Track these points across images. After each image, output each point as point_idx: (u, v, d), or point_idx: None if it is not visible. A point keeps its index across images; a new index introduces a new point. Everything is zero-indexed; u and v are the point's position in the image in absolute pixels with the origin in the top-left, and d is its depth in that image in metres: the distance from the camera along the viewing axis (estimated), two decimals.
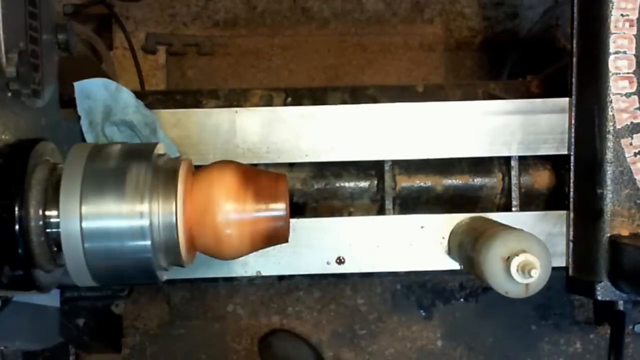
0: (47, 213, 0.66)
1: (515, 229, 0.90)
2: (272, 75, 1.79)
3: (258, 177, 0.73)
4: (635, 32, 0.91)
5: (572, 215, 0.97)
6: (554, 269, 0.87)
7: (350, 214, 1.04)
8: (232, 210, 0.70)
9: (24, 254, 0.64)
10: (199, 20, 1.80)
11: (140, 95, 0.98)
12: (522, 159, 1.01)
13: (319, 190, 1.03)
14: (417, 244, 0.99)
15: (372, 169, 1.03)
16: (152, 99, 1.03)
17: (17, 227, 0.63)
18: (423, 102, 1.00)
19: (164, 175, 0.68)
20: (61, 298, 1.01)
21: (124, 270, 0.67)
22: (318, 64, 1.80)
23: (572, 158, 0.97)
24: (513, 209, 1.01)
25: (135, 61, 1.64)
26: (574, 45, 0.95)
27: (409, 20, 1.82)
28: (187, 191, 0.69)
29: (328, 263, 0.99)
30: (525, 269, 0.82)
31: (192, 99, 1.06)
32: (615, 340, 0.97)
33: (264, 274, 0.99)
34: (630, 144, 0.91)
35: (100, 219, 0.65)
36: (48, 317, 0.98)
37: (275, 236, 0.73)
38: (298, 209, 1.03)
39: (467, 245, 0.92)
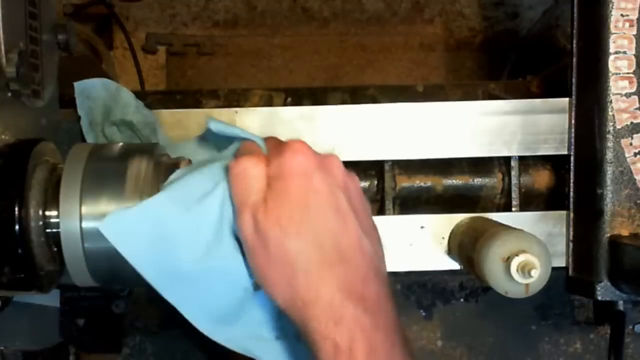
0: (47, 213, 0.66)
1: (515, 229, 0.90)
2: (272, 75, 1.79)
3: None
4: (635, 32, 0.91)
5: (572, 215, 0.97)
6: (554, 269, 0.87)
7: None
8: None
9: (24, 254, 0.64)
10: (199, 20, 1.81)
11: (140, 95, 0.98)
12: (522, 159, 1.01)
13: None
14: (417, 244, 0.99)
15: (372, 169, 1.03)
16: (152, 99, 1.03)
17: (17, 227, 0.63)
18: (423, 102, 1.00)
19: (164, 175, 0.68)
20: (61, 298, 1.01)
21: (124, 271, 0.67)
22: (318, 64, 1.80)
23: (572, 158, 0.97)
24: (513, 209, 1.01)
25: (135, 61, 1.64)
26: (574, 45, 0.95)
27: (409, 20, 1.82)
28: None
29: None
30: (525, 269, 0.82)
31: (192, 99, 1.06)
32: (615, 340, 0.97)
33: None
34: (630, 144, 0.91)
35: (100, 219, 0.65)
36: (48, 317, 0.98)
37: None
38: None
39: (467, 245, 0.92)
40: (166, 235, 0.63)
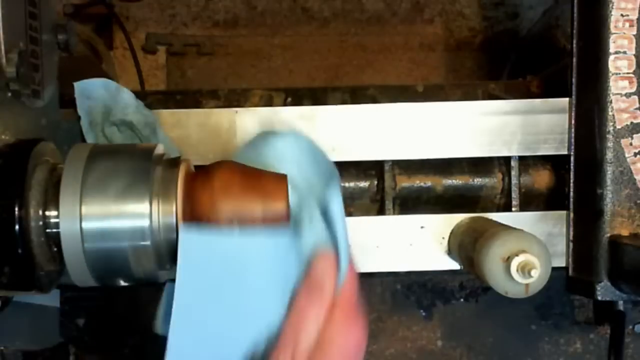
0: (47, 213, 0.66)
1: (515, 229, 0.90)
2: (272, 75, 1.78)
3: (258, 177, 0.73)
4: (635, 32, 0.91)
5: (572, 215, 0.97)
6: (554, 269, 0.87)
7: (350, 214, 1.04)
8: (231, 210, 0.69)
9: (24, 254, 0.64)
10: (199, 20, 1.81)
11: (140, 95, 0.98)
12: (522, 159, 1.01)
13: None
14: (417, 244, 0.99)
15: (372, 169, 1.03)
16: (152, 99, 1.03)
17: (17, 227, 0.63)
18: (423, 102, 1.00)
19: (164, 175, 0.68)
20: (61, 298, 1.01)
21: (124, 271, 0.67)
22: (318, 64, 1.80)
23: (572, 158, 0.97)
24: (513, 209, 1.01)
25: (135, 61, 1.64)
26: (574, 45, 0.95)
27: (409, 20, 1.82)
28: (187, 191, 0.69)
29: None
30: (525, 269, 0.82)
31: (192, 99, 1.06)
32: (615, 340, 0.97)
33: None
34: (630, 144, 0.91)
35: (100, 219, 0.65)
36: (48, 317, 0.98)
37: None
38: None
39: (467, 245, 0.92)
40: (228, 273, 0.64)
